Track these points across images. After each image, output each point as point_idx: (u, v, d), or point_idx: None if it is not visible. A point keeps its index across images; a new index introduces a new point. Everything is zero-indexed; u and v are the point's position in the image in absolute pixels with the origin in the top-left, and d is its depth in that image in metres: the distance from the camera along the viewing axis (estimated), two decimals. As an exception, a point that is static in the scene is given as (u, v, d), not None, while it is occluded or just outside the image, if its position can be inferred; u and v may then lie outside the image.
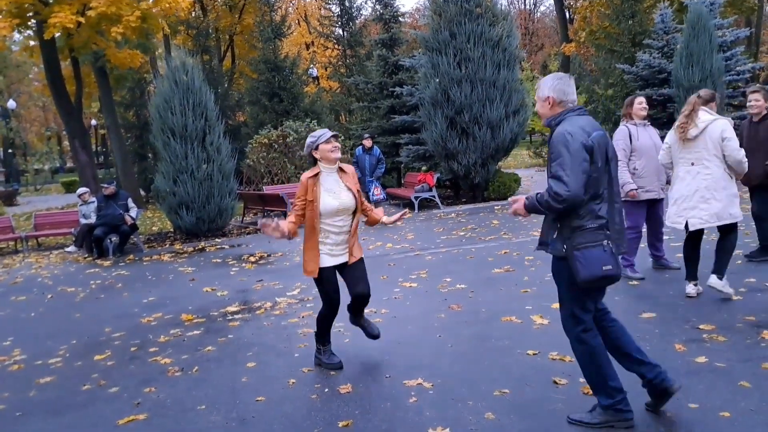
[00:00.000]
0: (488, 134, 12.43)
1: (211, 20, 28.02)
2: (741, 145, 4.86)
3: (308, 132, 16.38)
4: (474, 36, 12.46)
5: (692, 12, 13.28)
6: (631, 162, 5.70)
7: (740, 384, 3.35)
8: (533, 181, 16.74)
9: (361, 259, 4.17)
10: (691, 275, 5.03)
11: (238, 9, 29.96)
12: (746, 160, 4.72)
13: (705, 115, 4.71)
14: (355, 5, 26.43)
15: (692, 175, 4.74)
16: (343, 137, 17.97)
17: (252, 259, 9.15)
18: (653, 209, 5.85)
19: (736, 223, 4.80)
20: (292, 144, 16.35)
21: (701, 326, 4.31)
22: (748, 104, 5.83)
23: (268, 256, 9.33)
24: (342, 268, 4.13)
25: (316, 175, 3.99)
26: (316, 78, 30.11)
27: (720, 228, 4.87)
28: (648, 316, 4.66)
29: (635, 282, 5.68)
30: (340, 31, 26.12)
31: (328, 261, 4.04)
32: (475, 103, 12.39)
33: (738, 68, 15.24)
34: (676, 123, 4.84)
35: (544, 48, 48.39)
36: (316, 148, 3.99)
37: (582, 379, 3.58)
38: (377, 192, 11.32)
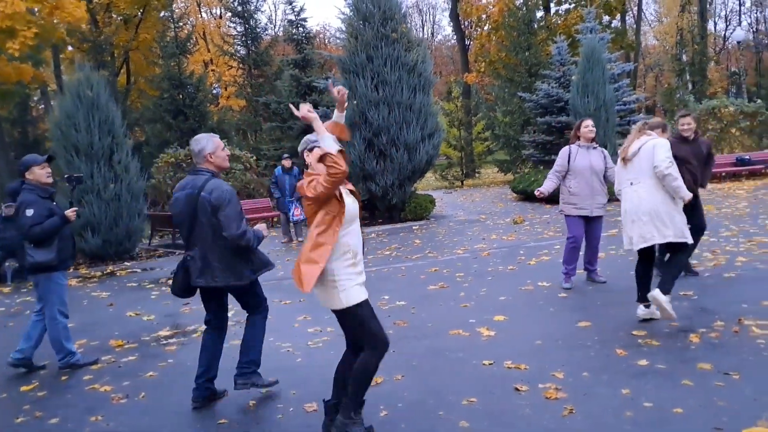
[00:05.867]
0: (405, 156, 12.74)
1: (107, 34, 26.67)
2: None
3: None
4: (390, 60, 12.79)
5: (587, 46, 14.42)
6: (567, 180, 6.16)
7: (683, 383, 3.65)
8: (443, 202, 17.28)
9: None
10: (642, 297, 4.97)
11: (134, 24, 28.76)
12: (672, 174, 4.63)
13: (644, 137, 4.89)
14: (260, 25, 26.28)
15: (632, 194, 4.85)
16: (254, 157, 17.69)
17: (171, 282, 8.72)
18: (590, 226, 6.27)
19: (684, 243, 4.75)
20: (201, 163, 15.84)
21: (634, 332, 4.67)
22: (680, 127, 6.21)
23: (188, 278, 8.93)
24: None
25: None
26: (217, 96, 29.47)
27: (667, 246, 4.88)
28: (584, 325, 4.97)
29: (564, 294, 6.04)
30: (244, 50, 25.81)
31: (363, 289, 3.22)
32: (392, 126, 12.68)
33: (625, 99, 16.70)
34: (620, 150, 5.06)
35: (442, 75, 50.33)
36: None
37: (542, 384, 3.77)
38: (297, 213, 11.20)
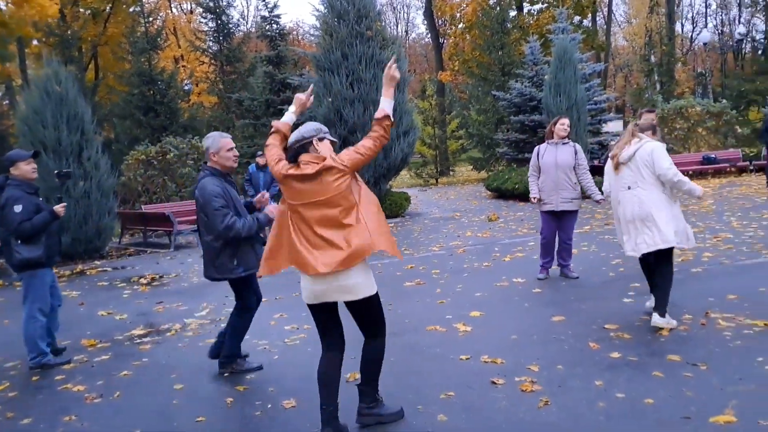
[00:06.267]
0: (380, 154, 12.75)
1: (75, 28, 26.09)
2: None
3: (190, 148, 15.78)
4: (365, 58, 12.81)
5: (558, 46, 14.62)
6: (540, 176, 6.31)
7: (654, 374, 3.75)
8: (418, 200, 17.35)
9: None
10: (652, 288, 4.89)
11: (102, 18, 28.17)
12: (681, 179, 4.57)
13: (636, 140, 4.76)
14: (232, 21, 26.01)
15: (631, 198, 4.67)
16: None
17: (143, 281, 8.62)
18: (562, 222, 6.38)
19: (670, 250, 4.65)
20: (173, 161, 15.64)
21: (606, 326, 4.77)
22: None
23: (161, 277, 8.84)
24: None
25: None
26: (188, 93, 29.09)
27: (656, 255, 4.70)
28: (558, 319, 5.06)
29: (539, 290, 6.14)
30: (216, 46, 25.52)
31: None
32: (367, 123, 12.68)
33: (596, 98, 16.98)
34: (611, 152, 4.96)
35: (416, 73, 50.48)
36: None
37: (518, 378, 3.84)
38: (272, 210, 11.15)
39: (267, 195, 4.43)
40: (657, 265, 4.75)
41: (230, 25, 25.23)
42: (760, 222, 8.87)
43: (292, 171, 3.12)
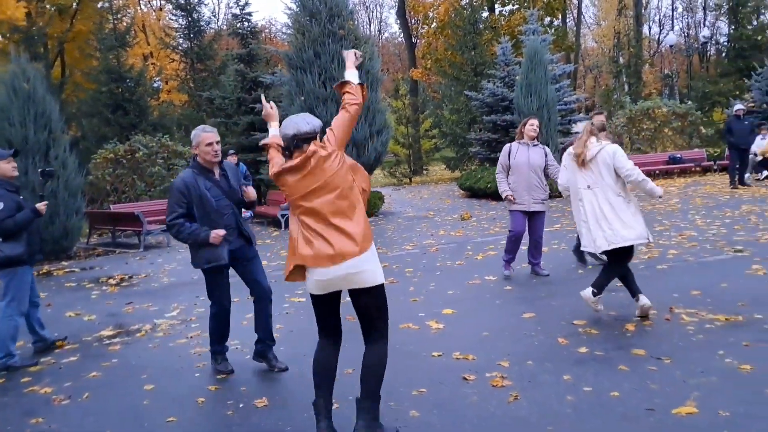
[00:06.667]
0: (354, 153, 12.77)
1: (41, 24, 25.50)
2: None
3: (159, 147, 15.57)
4: (338, 57, 12.78)
5: (529, 47, 14.81)
6: (509, 176, 6.40)
7: (620, 368, 3.85)
8: (392, 199, 17.40)
9: None
10: (632, 293, 4.93)
11: (69, 15, 27.57)
12: (644, 178, 4.77)
13: (597, 142, 4.91)
14: (203, 18, 25.73)
15: (591, 197, 4.85)
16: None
17: (112, 281, 8.49)
18: (532, 222, 6.49)
19: (631, 247, 4.83)
20: (142, 159, 15.43)
21: (575, 322, 4.87)
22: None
23: (130, 278, 8.72)
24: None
25: None
26: (158, 90, 28.67)
27: (613, 251, 4.84)
28: (529, 316, 5.14)
29: (510, 287, 6.22)
30: (187, 44, 25.23)
31: None
32: (340, 123, 12.66)
33: (566, 99, 17.24)
34: (572, 149, 5.09)
35: (389, 73, 50.56)
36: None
37: (489, 374, 3.90)
38: (244, 210, 11.05)
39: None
40: (613, 260, 4.97)
41: (201, 23, 24.97)
42: (723, 220, 9.12)
43: (277, 168, 3.11)
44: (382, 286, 3.11)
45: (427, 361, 4.27)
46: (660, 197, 5.02)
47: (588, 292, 4.93)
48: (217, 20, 35.79)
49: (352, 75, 3.26)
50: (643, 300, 4.80)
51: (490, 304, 5.72)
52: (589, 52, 47.25)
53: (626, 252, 4.87)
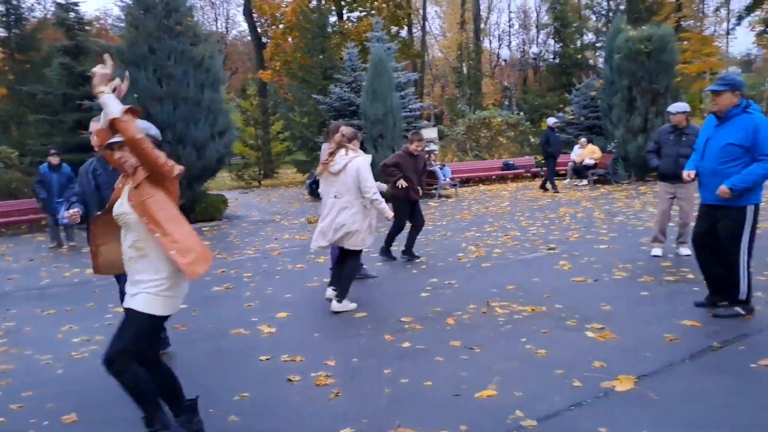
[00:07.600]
0: (193, 154, 12.26)
1: None
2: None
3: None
4: (175, 54, 12.22)
5: (374, 54, 15.23)
6: None
7: (436, 359, 4.09)
8: (238, 203, 16.96)
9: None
10: (333, 283, 5.76)
11: None
12: (377, 197, 5.30)
13: (348, 153, 5.34)
14: (25, 5, 23.33)
15: (334, 205, 5.34)
16: (16, 153, 15.63)
17: None
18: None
19: (359, 251, 5.51)
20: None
21: (403, 319, 5.08)
22: (411, 146, 7.32)
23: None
24: None
25: None
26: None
27: (344, 252, 5.50)
28: (361, 316, 5.28)
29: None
30: (5, 32, 22.70)
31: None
32: (178, 122, 12.11)
33: (411, 106, 17.96)
34: (322, 159, 5.49)
35: (238, 71, 49.21)
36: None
37: (314, 373, 3.94)
38: (66, 215, 10.14)
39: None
40: (344, 260, 5.50)
41: (22, 9, 22.58)
42: (542, 221, 10.05)
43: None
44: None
45: (254, 365, 4.22)
46: (388, 219, 5.57)
47: (334, 304, 5.42)
48: (44, 8, 32.52)
49: (110, 104, 2.73)
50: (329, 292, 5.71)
51: (325, 306, 5.76)
52: (437, 62, 49.69)
53: (357, 254, 5.53)
